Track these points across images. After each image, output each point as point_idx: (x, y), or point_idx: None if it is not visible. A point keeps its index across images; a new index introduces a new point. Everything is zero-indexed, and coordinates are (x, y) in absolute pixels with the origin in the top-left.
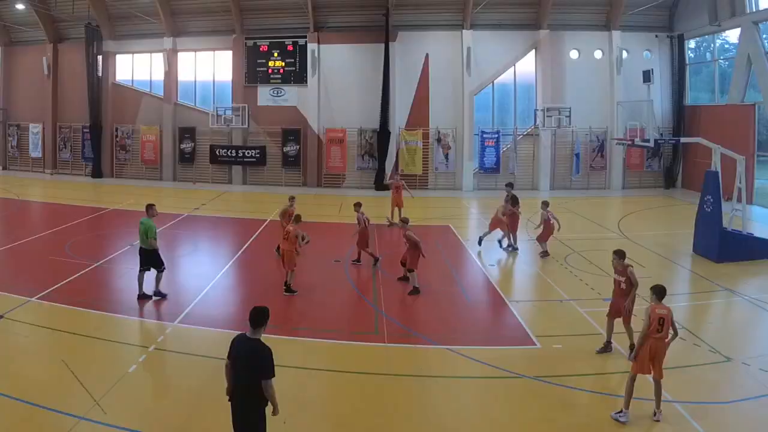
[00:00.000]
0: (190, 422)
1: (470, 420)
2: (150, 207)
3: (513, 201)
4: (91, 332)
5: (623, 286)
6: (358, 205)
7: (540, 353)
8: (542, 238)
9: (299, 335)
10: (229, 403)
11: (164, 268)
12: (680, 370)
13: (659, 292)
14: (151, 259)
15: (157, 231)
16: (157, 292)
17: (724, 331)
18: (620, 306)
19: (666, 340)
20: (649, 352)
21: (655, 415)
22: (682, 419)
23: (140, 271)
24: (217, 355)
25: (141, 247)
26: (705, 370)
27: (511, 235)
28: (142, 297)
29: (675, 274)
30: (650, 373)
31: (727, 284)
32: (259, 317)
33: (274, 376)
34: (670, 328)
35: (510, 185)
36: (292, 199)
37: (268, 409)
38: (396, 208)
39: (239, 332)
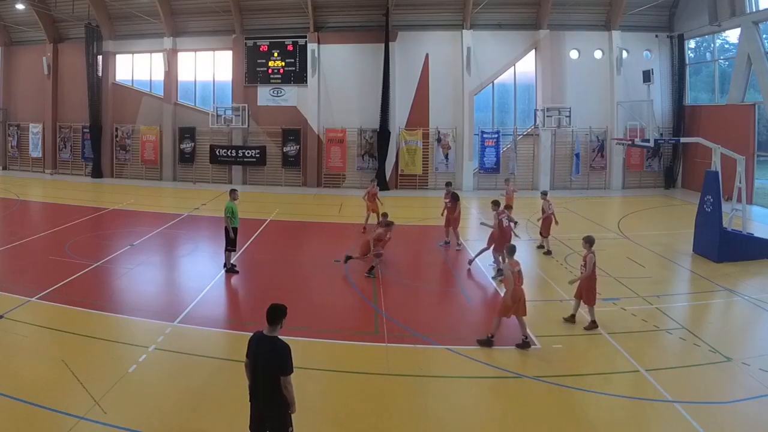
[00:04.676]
0: (190, 422)
1: (470, 420)
2: (231, 191)
3: (453, 198)
4: (91, 332)
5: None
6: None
7: (540, 353)
8: (545, 232)
9: (299, 335)
10: (249, 403)
11: (230, 249)
12: (680, 370)
13: None
14: (227, 237)
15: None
16: (225, 265)
17: (724, 331)
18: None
19: None
20: None
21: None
22: (682, 419)
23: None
24: (217, 355)
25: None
26: (705, 370)
27: (452, 233)
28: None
29: (675, 274)
30: None
31: (727, 284)
32: (275, 314)
33: (292, 372)
34: None
35: (449, 184)
36: (373, 181)
37: None
38: (371, 213)
39: (238, 332)
